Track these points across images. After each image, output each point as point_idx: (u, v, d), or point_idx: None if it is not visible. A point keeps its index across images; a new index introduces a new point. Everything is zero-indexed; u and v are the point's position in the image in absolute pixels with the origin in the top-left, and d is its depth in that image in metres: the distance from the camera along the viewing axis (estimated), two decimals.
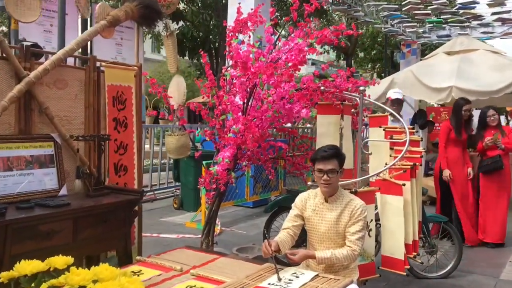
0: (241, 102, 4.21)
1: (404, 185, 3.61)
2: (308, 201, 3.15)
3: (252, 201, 7.97)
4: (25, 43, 7.07)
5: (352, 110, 4.35)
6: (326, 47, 24.48)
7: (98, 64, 3.86)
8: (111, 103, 3.94)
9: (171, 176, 8.79)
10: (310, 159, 3.19)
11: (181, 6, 12.14)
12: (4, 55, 3.20)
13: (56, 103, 3.54)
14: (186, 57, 12.81)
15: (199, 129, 11.16)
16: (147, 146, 9.88)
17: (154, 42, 17.25)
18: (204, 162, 6.63)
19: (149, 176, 8.84)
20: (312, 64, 40.92)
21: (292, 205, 3.20)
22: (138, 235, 4.23)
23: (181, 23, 12.11)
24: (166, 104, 4.37)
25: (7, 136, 3.22)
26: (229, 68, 4.32)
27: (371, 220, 3.62)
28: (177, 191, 8.60)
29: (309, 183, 3.58)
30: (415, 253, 3.80)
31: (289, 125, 4.94)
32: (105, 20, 3.81)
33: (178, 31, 12.14)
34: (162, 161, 9.31)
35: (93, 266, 1.87)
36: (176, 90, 4.41)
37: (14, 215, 2.79)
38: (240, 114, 4.21)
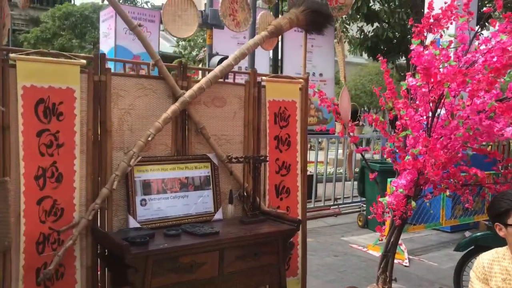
0: (424, 117, 3.45)
1: None
2: (494, 265, 2.29)
3: (450, 225, 6.85)
4: (215, 57, 7.32)
5: None
6: None
7: (259, 78, 3.59)
8: (272, 120, 3.62)
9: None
10: (489, 211, 2.34)
11: (376, 6, 11.41)
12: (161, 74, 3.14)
13: (213, 122, 3.36)
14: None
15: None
16: (332, 153, 9.49)
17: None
18: (389, 180, 5.90)
19: (333, 188, 8.39)
20: None
21: (471, 273, 2.37)
22: (302, 264, 3.82)
23: (375, 24, 11.37)
24: (336, 120, 3.86)
25: (163, 157, 3.15)
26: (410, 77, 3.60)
27: None
28: (363, 205, 7.98)
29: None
30: None
31: None
32: (266, 31, 3.50)
33: (372, 33, 11.44)
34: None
35: None
36: (345, 102, 3.88)
37: (157, 244, 2.64)
38: (422, 131, 3.45)
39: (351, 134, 4.00)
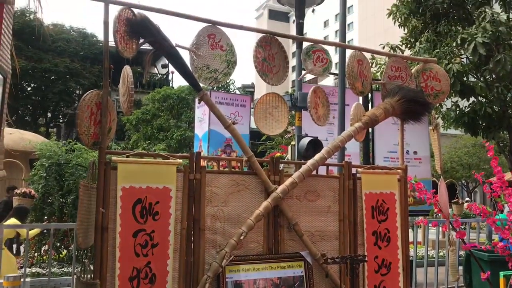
0: None
1: None
2: None
3: None
4: (305, 139, 7.27)
5: None
6: None
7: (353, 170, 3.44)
8: (369, 214, 3.41)
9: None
10: None
11: (471, 79, 10.97)
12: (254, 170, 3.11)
13: (306, 217, 3.23)
14: (480, 136, 11.31)
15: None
16: (432, 233, 8.78)
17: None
18: (501, 274, 5.28)
19: (435, 273, 7.66)
20: None
21: None
22: None
23: (471, 99, 10.86)
24: (438, 212, 3.57)
25: (255, 256, 3.04)
26: None
27: None
28: None
29: None
30: None
31: None
32: (360, 122, 3.40)
33: (469, 108, 10.92)
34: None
35: None
36: (443, 195, 3.58)
37: None
38: None
39: (455, 228, 3.66)
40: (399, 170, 3.59)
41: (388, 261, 3.42)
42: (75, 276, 2.70)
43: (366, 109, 5.39)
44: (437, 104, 11.27)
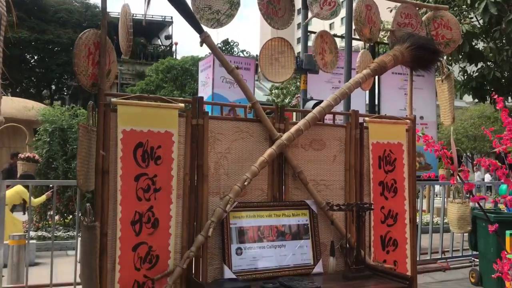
0: None
1: None
2: None
3: None
4: (310, 102, 7.16)
5: None
6: None
7: (361, 119, 3.35)
8: (376, 164, 3.33)
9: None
10: None
11: (480, 45, 10.76)
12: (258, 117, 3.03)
13: (312, 166, 3.16)
14: (487, 102, 11.15)
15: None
16: (438, 201, 8.74)
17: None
18: (508, 233, 5.23)
19: (440, 239, 7.67)
20: None
21: None
22: None
23: (480, 64, 10.67)
24: (446, 165, 3.48)
25: (259, 203, 2.98)
26: None
27: None
28: (476, 260, 7.15)
29: None
30: None
31: None
32: (368, 69, 3.29)
33: (477, 73, 10.74)
34: None
35: None
36: (453, 148, 3.50)
37: None
38: None
39: (463, 180, 3.58)
40: (407, 120, 3.49)
41: (394, 212, 3.36)
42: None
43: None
44: (446, 69, 11.11)
